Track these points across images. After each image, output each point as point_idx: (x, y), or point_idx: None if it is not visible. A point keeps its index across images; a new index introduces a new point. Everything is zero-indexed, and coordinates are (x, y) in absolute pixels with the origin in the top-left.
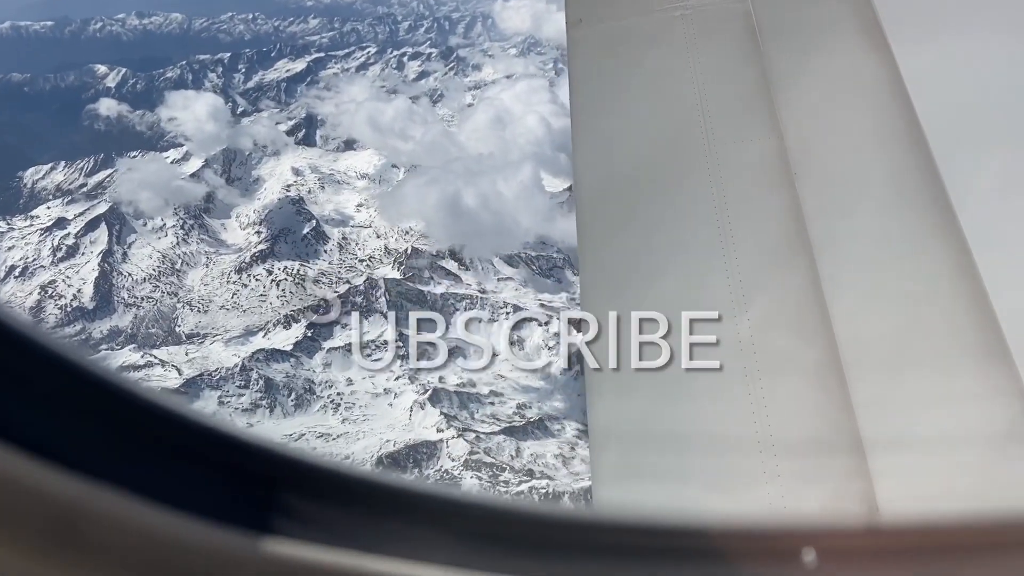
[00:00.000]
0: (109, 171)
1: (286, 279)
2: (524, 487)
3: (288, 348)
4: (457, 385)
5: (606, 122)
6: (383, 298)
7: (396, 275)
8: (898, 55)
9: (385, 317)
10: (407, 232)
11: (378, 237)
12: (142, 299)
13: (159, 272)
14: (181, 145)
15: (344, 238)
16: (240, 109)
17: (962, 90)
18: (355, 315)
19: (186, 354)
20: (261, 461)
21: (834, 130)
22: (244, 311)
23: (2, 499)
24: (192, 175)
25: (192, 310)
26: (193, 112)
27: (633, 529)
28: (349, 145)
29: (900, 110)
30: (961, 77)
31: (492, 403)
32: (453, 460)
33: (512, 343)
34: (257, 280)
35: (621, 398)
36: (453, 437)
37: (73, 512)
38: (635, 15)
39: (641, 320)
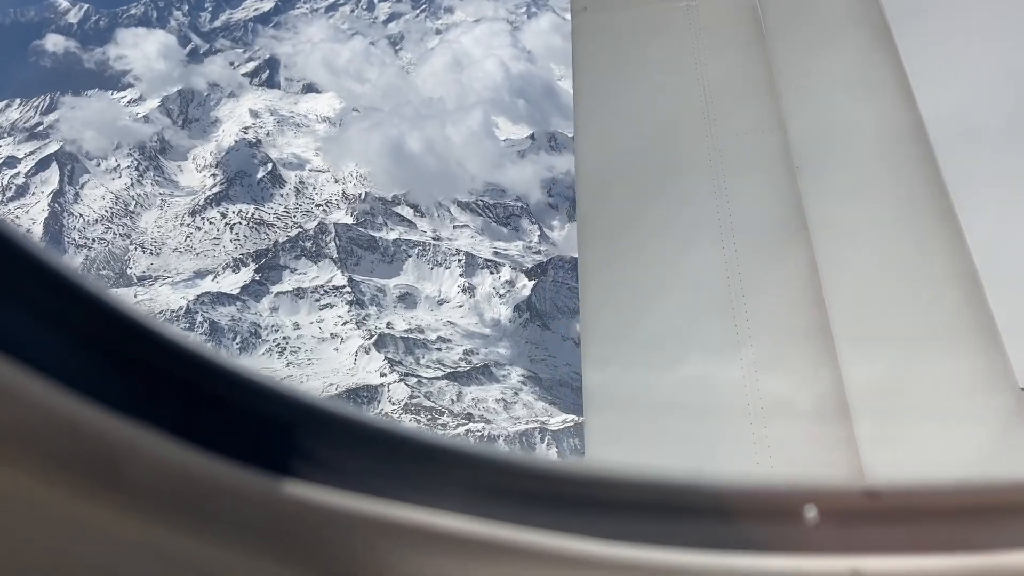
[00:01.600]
0: (63, 110)
1: (240, 222)
2: (461, 430)
3: (235, 292)
4: (405, 331)
5: (609, 110)
6: (333, 243)
7: (349, 220)
8: (902, 50)
9: (335, 262)
10: (353, 176)
11: (336, 182)
12: (93, 240)
13: (112, 213)
14: (132, 85)
15: (301, 182)
16: (193, 47)
17: (966, 86)
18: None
19: (135, 296)
20: (285, 407)
21: (838, 125)
22: (197, 254)
23: (47, 437)
24: (146, 116)
25: (144, 252)
26: (143, 51)
27: (642, 485)
28: (311, 88)
29: (904, 105)
30: (965, 73)
31: (439, 349)
32: (393, 404)
33: (463, 290)
34: (211, 223)
35: (616, 369)
36: (395, 381)
37: (115, 451)
38: (640, 4)
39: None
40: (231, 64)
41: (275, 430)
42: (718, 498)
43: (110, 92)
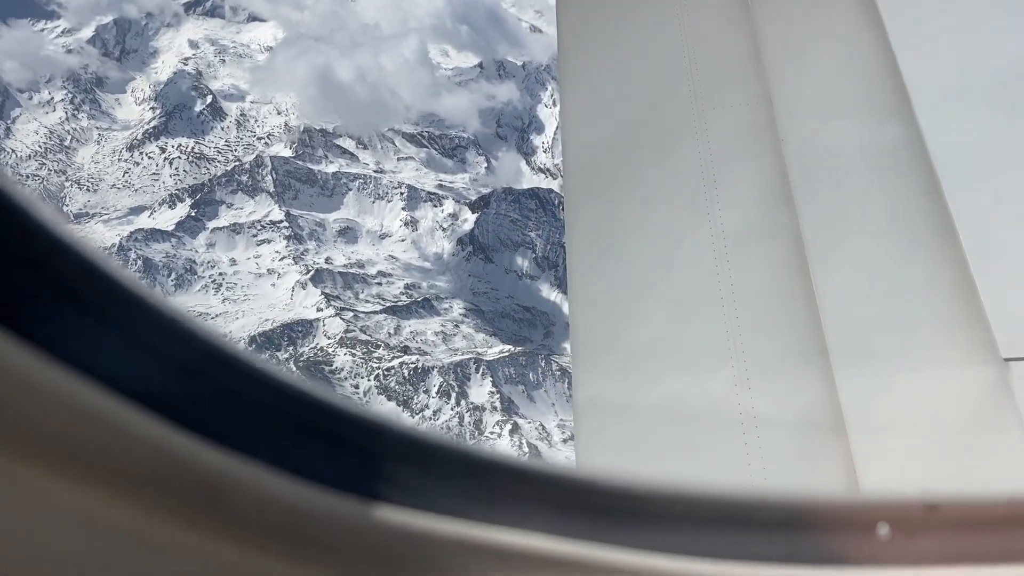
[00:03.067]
0: None
1: (180, 157)
2: (396, 362)
3: (170, 228)
4: (344, 266)
5: (594, 83)
6: (270, 177)
7: (288, 153)
8: (887, 22)
9: (272, 197)
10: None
11: (279, 114)
12: (27, 177)
13: (46, 149)
14: (58, 15)
15: (243, 114)
16: None
17: (950, 59)
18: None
19: None
20: (367, 432)
21: (822, 98)
22: (136, 190)
23: (153, 468)
24: (80, 47)
25: (81, 189)
26: None
27: (718, 501)
28: (255, 17)
29: (889, 79)
30: (949, 46)
31: (379, 283)
32: (328, 338)
33: (406, 224)
34: (150, 158)
35: (606, 371)
36: (331, 316)
37: (218, 482)
38: None
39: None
40: None
41: (364, 456)
42: (794, 513)
43: (29, 20)
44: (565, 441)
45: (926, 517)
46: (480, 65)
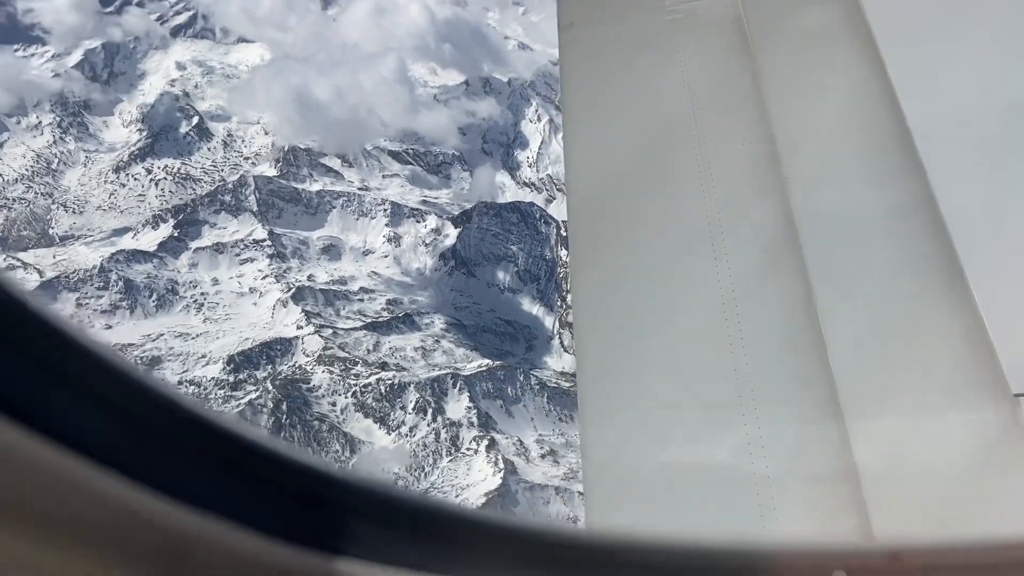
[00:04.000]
0: None
1: (166, 178)
2: (372, 379)
3: (152, 249)
4: (326, 283)
5: (598, 124)
6: (253, 196)
7: (273, 172)
8: (888, 61)
9: (255, 216)
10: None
11: (267, 134)
12: (13, 200)
13: (33, 172)
14: (44, 41)
15: (229, 135)
16: None
17: (951, 97)
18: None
19: (54, 256)
20: (330, 488)
21: (825, 135)
22: (122, 211)
23: (119, 529)
24: (66, 71)
25: (67, 211)
26: (52, 3)
27: (674, 551)
28: (243, 38)
29: (890, 116)
30: (950, 84)
31: (361, 300)
32: (307, 356)
33: (389, 240)
34: (136, 179)
35: (615, 428)
36: (310, 334)
37: (184, 542)
38: (627, 19)
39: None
40: (160, 17)
41: (327, 512)
42: (758, 562)
43: (14, 47)
44: (543, 456)
45: (889, 565)
46: (466, 83)
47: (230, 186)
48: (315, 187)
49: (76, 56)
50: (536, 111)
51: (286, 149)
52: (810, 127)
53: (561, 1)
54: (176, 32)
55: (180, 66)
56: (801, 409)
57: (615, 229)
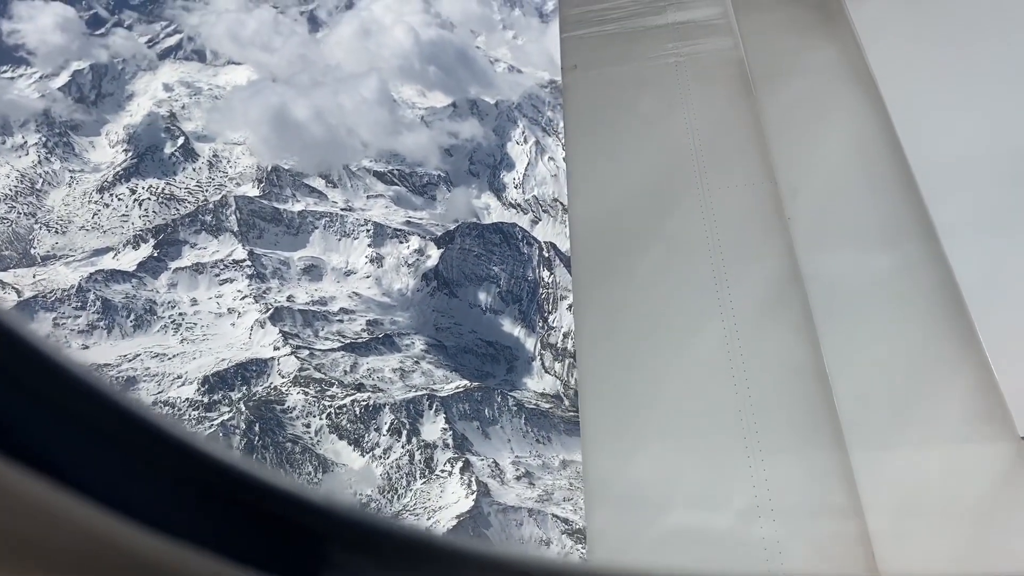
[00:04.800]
0: None
1: (150, 198)
2: (348, 400)
3: (131, 269)
4: (306, 303)
5: (601, 164)
6: (234, 216)
7: (255, 193)
8: (889, 103)
9: (236, 236)
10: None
11: (252, 155)
12: None
13: (16, 192)
14: (30, 63)
15: (215, 155)
16: (95, 18)
17: (952, 138)
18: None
19: (33, 276)
20: (302, 513)
21: (827, 176)
22: (105, 232)
23: (80, 553)
24: (52, 91)
25: (50, 231)
26: (37, 24)
27: None
28: (232, 60)
29: (891, 157)
30: (951, 125)
31: (340, 320)
32: (283, 377)
33: (371, 261)
34: (120, 200)
35: (617, 458)
36: (286, 355)
37: (150, 566)
38: (630, 61)
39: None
40: (151, 39)
41: (299, 538)
42: None
43: (16, 68)
44: (518, 478)
45: None
46: (453, 104)
47: (211, 206)
48: (297, 207)
49: (64, 77)
50: (523, 133)
51: (269, 169)
52: (812, 167)
53: (564, 43)
54: (166, 54)
55: (167, 87)
56: (805, 442)
57: (618, 266)
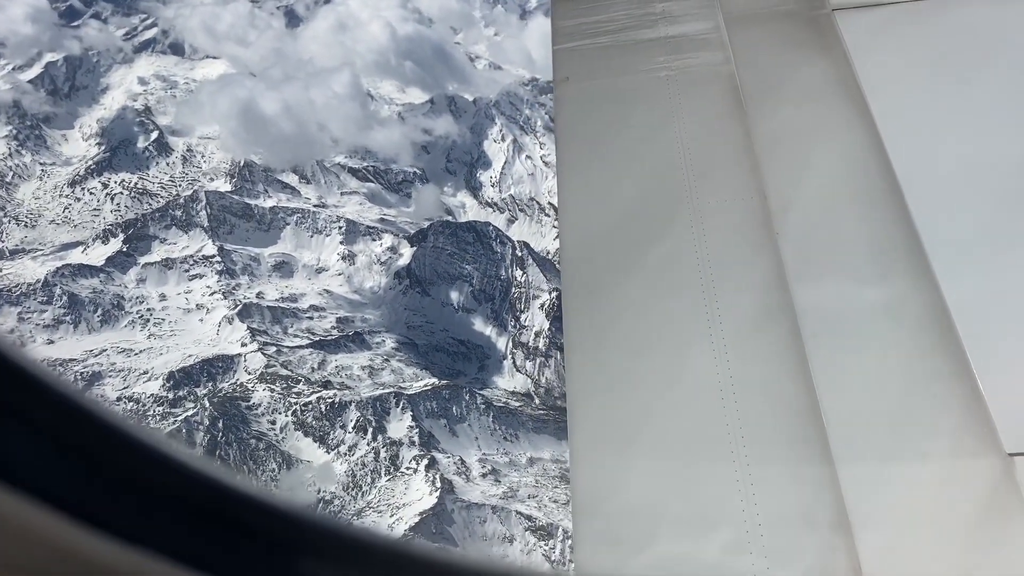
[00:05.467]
0: None
1: (122, 192)
2: (313, 397)
3: (100, 264)
4: (275, 300)
5: (592, 178)
6: (204, 212)
7: (227, 188)
8: (878, 118)
9: (206, 231)
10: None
11: (226, 150)
12: None
13: None
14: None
15: (189, 150)
16: (70, 9)
17: (940, 154)
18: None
19: (0, 270)
20: (282, 525)
21: (816, 191)
22: (75, 226)
23: (35, 559)
24: (17, 81)
25: (19, 225)
26: (8, 15)
27: None
28: (211, 54)
29: (881, 172)
30: (939, 142)
31: (310, 318)
32: (249, 374)
33: (343, 258)
34: (91, 193)
35: (606, 472)
36: (253, 351)
37: (105, 572)
38: (621, 75)
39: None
40: (129, 31)
41: (258, 544)
42: None
43: None
44: (484, 476)
45: None
46: (431, 101)
47: (181, 201)
48: (269, 203)
49: (36, 69)
50: (500, 131)
51: (241, 165)
52: (801, 183)
53: (557, 55)
54: (143, 47)
55: (143, 81)
56: (794, 456)
57: (608, 279)
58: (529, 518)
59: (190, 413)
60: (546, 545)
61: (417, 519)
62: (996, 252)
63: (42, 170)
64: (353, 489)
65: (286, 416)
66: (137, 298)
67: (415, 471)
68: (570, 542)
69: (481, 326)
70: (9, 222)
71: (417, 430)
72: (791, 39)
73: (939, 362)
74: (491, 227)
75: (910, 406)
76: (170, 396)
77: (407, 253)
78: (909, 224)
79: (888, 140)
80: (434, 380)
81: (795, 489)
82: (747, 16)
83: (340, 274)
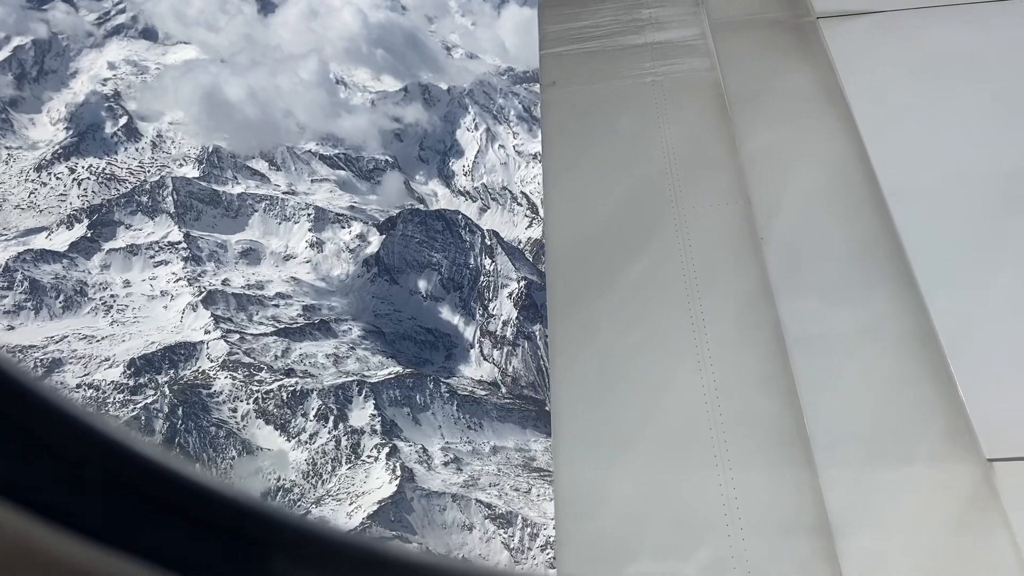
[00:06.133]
0: None
1: (89, 178)
2: (275, 385)
3: (63, 249)
4: (241, 287)
5: (578, 181)
6: (171, 198)
7: (194, 174)
8: (861, 125)
9: (172, 218)
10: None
11: (190, 136)
12: None
13: None
14: None
15: (159, 135)
16: None
17: (923, 162)
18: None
19: None
20: (252, 523)
21: (800, 197)
22: (40, 211)
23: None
24: None
25: None
26: None
27: None
28: (183, 40)
29: (864, 179)
30: (922, 150)
31: (276, 305)
32: (211, 361)
33: (311, 245)
34: (58, 178)
35: (589, 474)
36: (216, 339)
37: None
38: (608, 80)
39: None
40: (102, 15)
41: (226, 542)
42: None
43: None
44: (446, 464)
45: None
46: (405, 89)
47: (148, 187)
48: (237, 190)
49: (4, 52)
50: (474, 120)
51: (210, 151)
52: (786, 189)
53: (544, 60)
54: (114, 32)
55: (112, 66)
56: (775, 459)
57: (593, 282)
58: (489, 506)
59: (149, 400)
60: (505, 533)
61: (376, 507)
62: (978, 260)
63: (8, 154)
64: (313, 477)
65: (247, 404)
66: (100, 284)
67: (376, 459)
68: (529, 530)
69: (449, 315)
70: None
71: (379, 418)
72: (776, 46)
73: (920, 369)
74: (460, 215)
75: (892, 413)
76: (130, 383)
77: (376, 241)
78: (892, 231)
79: (871, 147)
80: (398, 369)
81: (777, 495)
82: (733, 23)
83: (308, 262)
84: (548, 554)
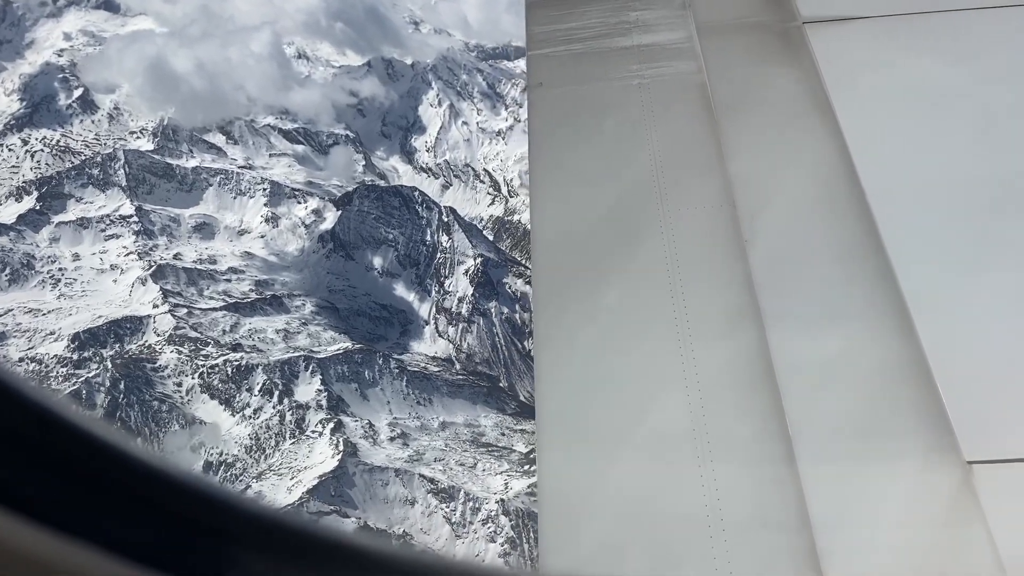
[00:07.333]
0: None
1: (43, 150)
2: (220, 360)
3: (10, 222)
4: (193, 262)
5: (564, 183)
6: (122, 171)
7: (149, 147)
8: (845, 129)
9: (124, 191)
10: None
11: (133, 108)
12: None
13: None
14: None
15: (116, 107)
16: None
17: (905, 165)
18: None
19: None
20: (218, 514)
21: (784, 200)
22: None
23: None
24: None
25: None
26: None
27: None
28: (143, 11)
29: (848, 182)
30: (905, 153)
31: (228, 280)
32: (158, 335)
33: (267, 220)
34: (10, 150)
35: (571, 468)
36: (163, 313)
37: (49, 571)
38: (594, 81)
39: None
40: None
41: (209, 540)
42: None
43: None
44: (392, 439)
45: None
46: (368, 64)
47: (99, 160)
48: (192, 163)
49: None
50: (437, 95)
51: (165, 123)
52: (770, 192)
53: (530, 60)
54: (73, 2)
55: (68, 36)
56: (756, 456)
57: (578, 282)
58: (432, 480)
59: (92, 375)
60: (447, 507)
61: (316, 482)
62: (960, 265)
63: None
64: (256, 452)
65: (192, 379)
66: (49, 258)
67: (320, 434)
68: (471, 504)
69: (404, 291)
70: None
71: (326, 394)
72: (762, 50)
73: (902, 370)
74: (417, 192)
75: (873, 413)
76: (74, 357)
77: (331, 217)
78: (876, 235)
79: (855, 151)
80: (347, 344)
81: (759, 491)
82: (719, 27)
83: (262, 237)
84: (489, 528)
